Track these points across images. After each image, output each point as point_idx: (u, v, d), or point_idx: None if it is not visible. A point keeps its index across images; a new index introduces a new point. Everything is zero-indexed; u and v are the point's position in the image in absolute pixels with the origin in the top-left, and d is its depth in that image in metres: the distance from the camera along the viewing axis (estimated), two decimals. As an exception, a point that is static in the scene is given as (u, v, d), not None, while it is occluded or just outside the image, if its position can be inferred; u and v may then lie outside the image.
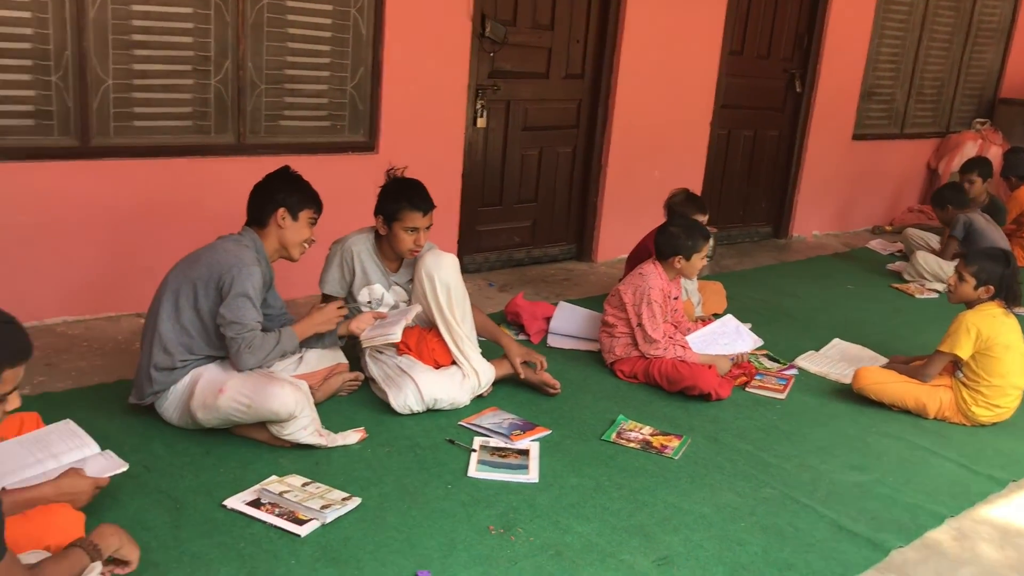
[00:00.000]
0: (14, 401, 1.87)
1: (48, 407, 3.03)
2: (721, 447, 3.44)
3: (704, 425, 3.62)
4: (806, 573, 2.67)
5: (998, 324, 3.82)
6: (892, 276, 6.25)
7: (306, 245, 3.38)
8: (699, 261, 4.13)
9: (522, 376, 3.75)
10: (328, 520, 2.68)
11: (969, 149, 7.81)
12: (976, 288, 3.89)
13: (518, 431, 3.38)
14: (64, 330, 4.07)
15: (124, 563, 2.23)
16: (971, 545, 2.93)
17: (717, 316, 4.65)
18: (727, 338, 4.26)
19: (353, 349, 3.71)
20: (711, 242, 4.27)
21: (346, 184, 4.60)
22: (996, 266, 3.91)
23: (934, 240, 6.51)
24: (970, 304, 3.92)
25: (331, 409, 3.40)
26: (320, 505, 2.73)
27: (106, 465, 2.63)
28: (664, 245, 4.08)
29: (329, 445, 3.15)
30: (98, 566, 2.03)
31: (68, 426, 2.77)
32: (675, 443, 3.41)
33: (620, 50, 5.59)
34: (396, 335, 3.39)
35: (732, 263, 6.32)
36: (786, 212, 7.11)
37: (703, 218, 4.58)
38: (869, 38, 7.04)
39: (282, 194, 3.30)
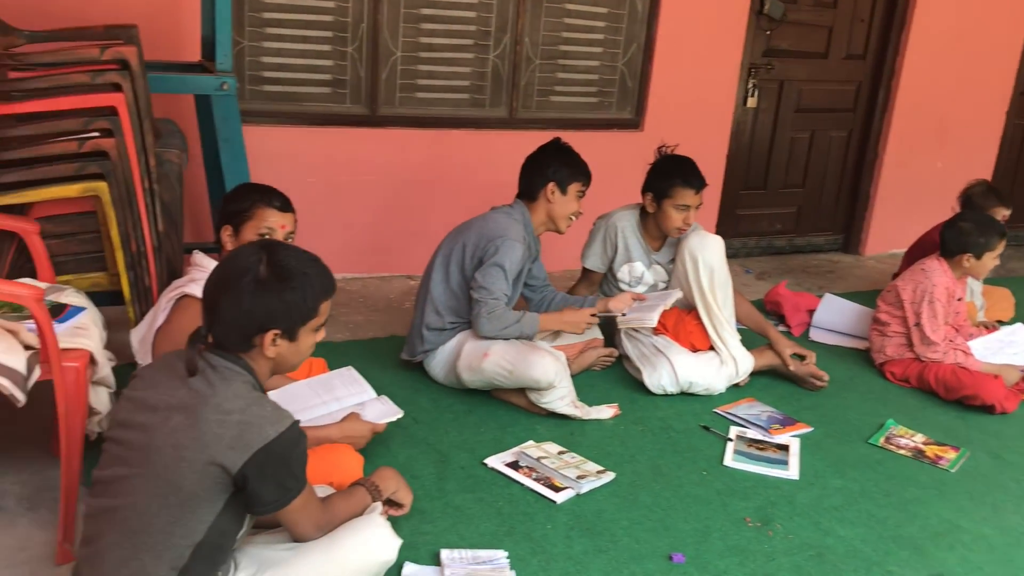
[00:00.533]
0: (321, 334, 2.01)
1: (330, 355, 3.27)
2: (1005, 465, 3.14)
3: (985, 439, 3.32)
4: (1106, 616, 2.39)
5: None
6: None
7: (573, 218, 3.41)
8: (991, 261, 3.77)
9: (791, 368, 3.60)
10: (583, 491, 2.71)
11: None
12: None
13: (777, 425, 3.26)
14: (343, 286, 4.37)
15: (399, 506, 2.37)
16: None
17: (1002, 324, 4.25)
18: (1016, 347, 3.86)
19: (608, 326, 3.71)
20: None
21: (611, 160, 4.60)
22: None
23: None
24: None
25: (585, 384, 3.43)
26: (576, 475, 2.76)
27: (383, 411, 2.80)
28: (952, 241, 3.76)
29: (584, 417, 3.18)
30: (379, 505, 2.15)
31: (350, 373, 2.97)
32: (952, 455, 3.15)
33: (909, 30, 5.21)
34: (653, 320, 3.35)
35: (1019, 265, 5.75)
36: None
37: (1005, 213, 4.18)
38: None
39: (552, 168, 3.35)
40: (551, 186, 3.33)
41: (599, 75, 4.66)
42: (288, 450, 1.79)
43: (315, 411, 2.76)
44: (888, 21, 5.25)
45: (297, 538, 1.95)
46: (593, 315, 3.36)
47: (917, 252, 4.23)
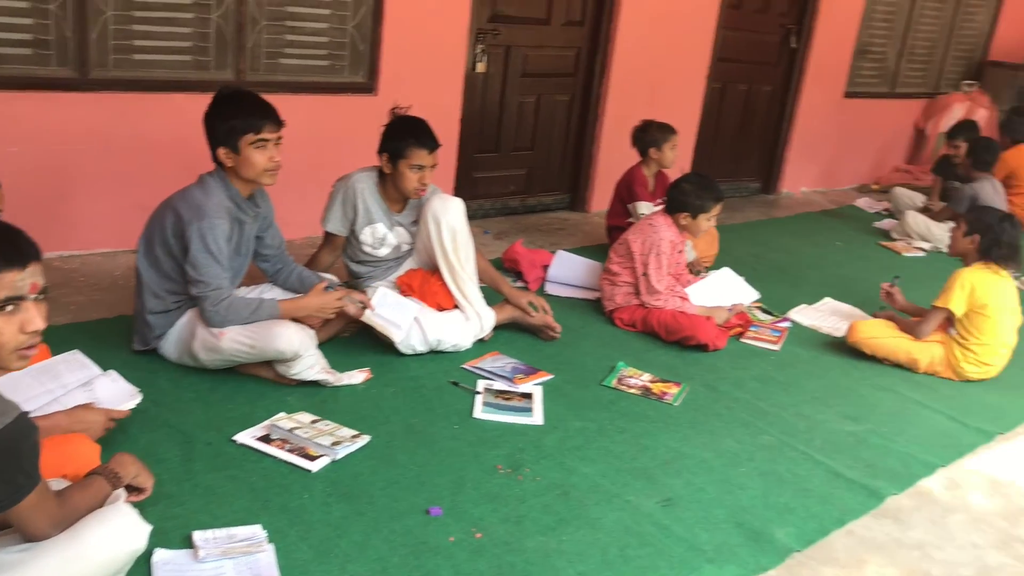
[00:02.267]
0: (32, 317, 1.72)
1: (52, 340, 3.01)
2: (719, 395, 3.50)
3: (702, 374, 3.68)
4: (804, 517, 2.74)
5: (992, 283, 3.88)
6: (879, 234, 6.32)
7: (271, 170, 3.10)
8: (705, 222, 4.14)
9: (530, 316, 3.78)
10: (339, 456, 2.71)
11: (957, 111, 7.85)
12: (965, 236, 3.96)
13: (521, 375, 3.42)
14: (60, 264, 4.03)
15: (140, 490, 2.25)
16: (962, 494, 3.02)
17: (708, 270, 4.71)
18: (725, 290, 4.30)
19: (355, 288, 3.71)
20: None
21: (346, 125, 4.56)
22: (989, 218, 3.97)
23: (920, 200, 6.58)
24: (965, 260, 3.99)
25: (335, 350, 3.40)
26: (330, 442, 2.75)
27: (118, 394, 2.64)
28: (674, 199, 4.09)
29: (335, 383, 3.16)
30: (122, 492, 2.04)
31: (76, 356, 2.76)
32: (674, 390, 3.46)
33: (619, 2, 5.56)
34: (397, 336, 3.39)
35: (723, 217, 6.24)
36: (776, 168, 7.15)
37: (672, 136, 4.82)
38: (865, -5, 7.04)
39: (215, 131, 3.03)
40: (221, 151, 3.03)
41: (329, 38, 4.59)
42: (17, 444, 1.66)
43: (40, 400, 2.55)
44: (602, -10, 5.56)
45: (31, 538, 1.80)
46: (339, 299, 3.27)
47: (622, 188, 4.91)
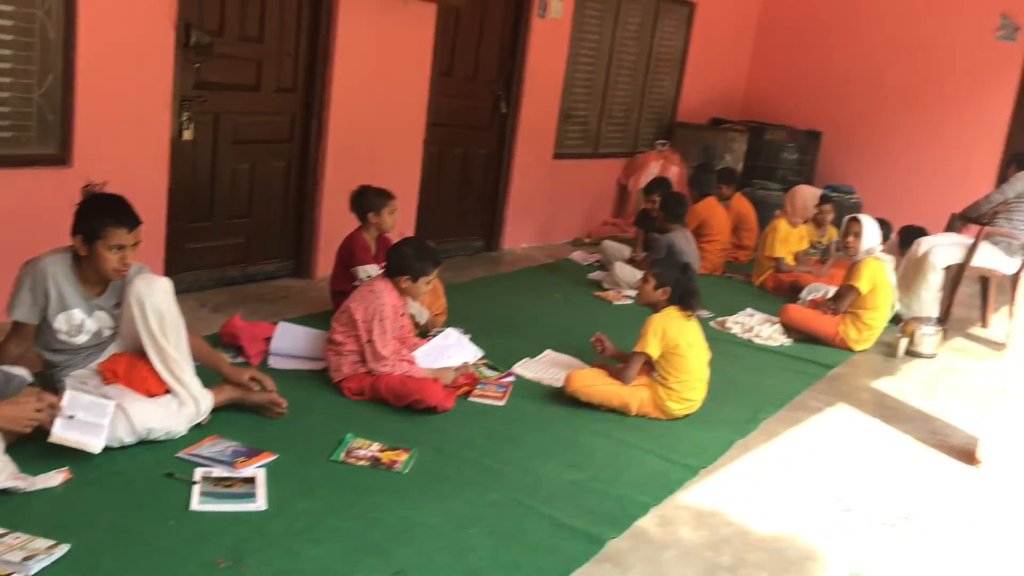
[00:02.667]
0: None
1: None
2: (448, 457, 3.54)
3: (431, 437, 3.70)
4: (532, 571, 2.82)
5: (680, 325, 4.25)
6: (593, 285, 6.73)
7: None
8: (424, 285, 4.19)
9: (253, 394, 3.64)
10: (32, 572, 2.44)
11: (653, 168, 8.60)
12: (656, 289, 4.32)
13: (242, 458, 3.27)
14: None
15: None
16: (673, 530, 3.24)
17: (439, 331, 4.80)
18: (451, 350, 4.38)
19: (51, 379, 3.40)
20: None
21: (36, 201, 4.20)
22: (674, 271, 4.36)
23: (627, 251, 7.10)
24: (655, 308, 4.33)
25: (26, 448, 3.08)
26: (21, 557, 2.47)
27: None
28: (394, 263, 4.12)
29: (28, 489, 2.86)
30: None
31: None
32: (403, 457, 3.45)
33: (333, 65, 5.58)
34: (96, 447, 3.07)
35: (449, 276, 6.47)
36: (496, 226, 7.43)
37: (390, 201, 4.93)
38: (565, 65, 7.55)
39: None
40: None
41: (12, 107, 4.22)
42: None
43: None
44: (313, 56, 5.55)
45: None
46: (39, 410, 2.92)
47: (344, 254, 4.93)
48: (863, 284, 5.63)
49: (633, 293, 6.44)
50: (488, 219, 7.40)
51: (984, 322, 6.88)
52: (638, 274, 6.43)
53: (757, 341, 5.75)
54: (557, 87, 7.56)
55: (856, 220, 5.81)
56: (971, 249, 6.46)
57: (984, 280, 6.80)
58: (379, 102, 5.93)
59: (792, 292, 6.85)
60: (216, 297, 5.26)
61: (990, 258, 6.54)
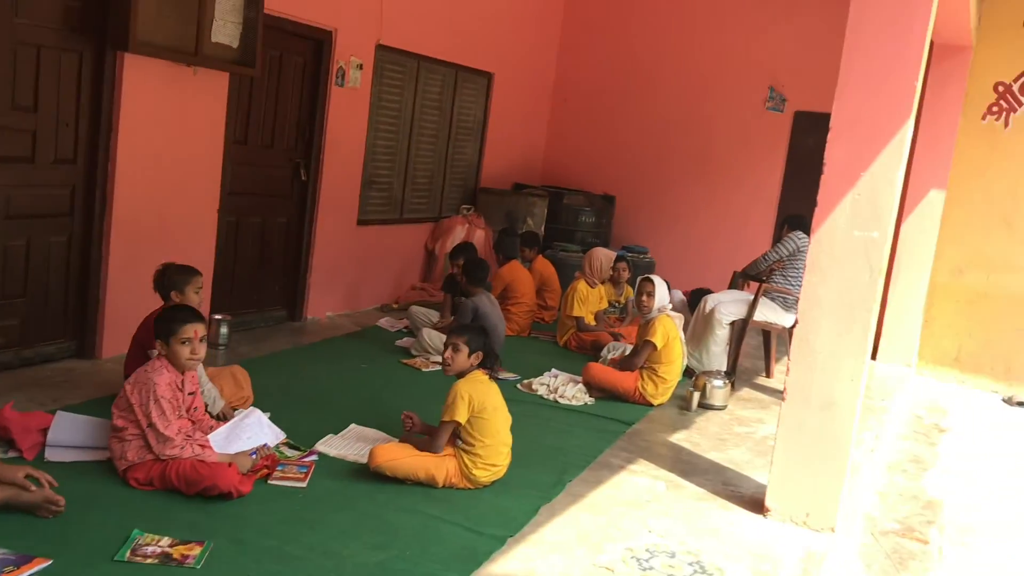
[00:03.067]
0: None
1: None
2: (246, 547, 3.37)
3: (227, 527, 3.52)
4: (336, 664, 2.71)
5: (485, 388, 4.30)
6: (401, 352, 6.68)
7: None
8: (180, 346, 3.91)
9: (28, 492, 3.34)
10: None
11: (459, 232, 8.73)
12: (469, 356, 4.35)
13: (11, 567, 2.98)
14: None
15: None
16: (480, 603, 3.22)
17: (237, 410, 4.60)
18: (249, 431, 4.21)
19: None
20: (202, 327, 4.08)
21: None
22: (481, 336, 4.42)
23: (435, 316, 7.13)
24: (462, 374, 4.36)
25: None
26: None
27: None
28: (157, 328, 3.94)
29: None
30: None
31: None
32: (197, 551, 3.26)
33: (117, 135, 5.33)
34: None
35: (248, 350, 6.28)
36: (299, 295, 7.27)
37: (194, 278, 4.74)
38: (366, 133, 7.57)
39: None
40: None
41: None
42: None
43: None
44: (95, 126, 5.29)
45: None
46: None
47: (142, 333, 4.57)
48: (658, 339, 5.91)
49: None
50: (291, 288, 7.23)
51: (768, 372, 7.37)
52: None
53: (562, 401, 5.89)
54: (359, 154, 7.56)
55: (649, 280, 6.12)
56: (752, 304, 6.94)
57: (766, 333, 7.30)
58: (168, 172, 5.71)
59: (594, 350, 7.10)
60: (-14, 385, 4.83)
61: (769, 312, 7.04)
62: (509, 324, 7.66)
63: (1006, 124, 8.50)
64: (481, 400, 4.25)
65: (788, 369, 4.31)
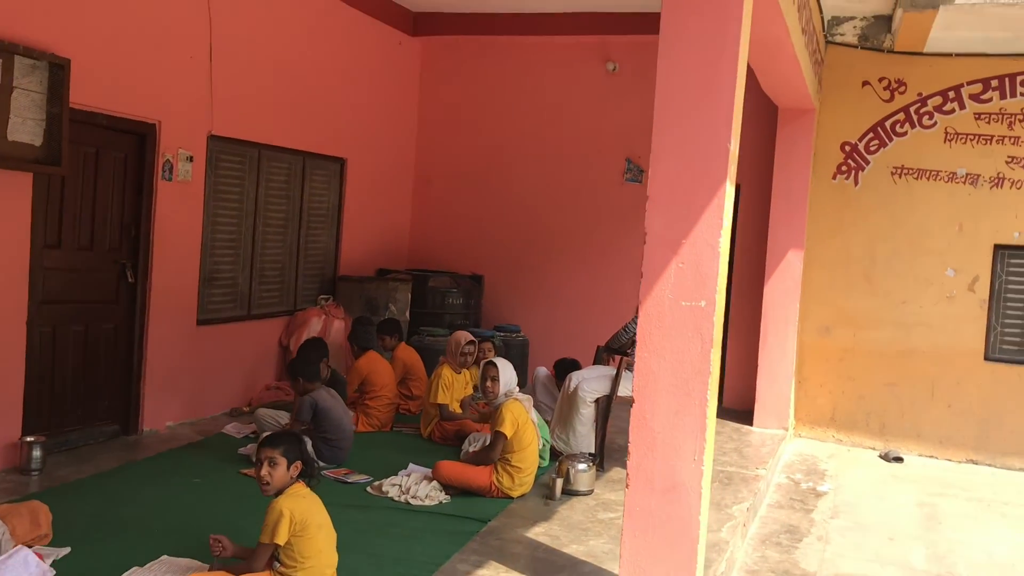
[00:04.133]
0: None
1: None
2: None
3: None
4: None
5: (308, 503, 3.89)
6: (244, 460, 6.16)
7: None
8: None
9: None
10: None
11: (314, 324, 8.30)
12: (288, 468, 3.92)
13: None
14: None
15: None
16: None
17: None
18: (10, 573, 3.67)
19: None
20: None
21: None
22: (297, 445, 4.00)
23: (285, 418, 6.64)
24: (282, 491, 3.92)
25: None
26: None
27: None
28: None
29: None
30: None
31: None
32: None
33: None
34: None
35: (68, 472, 5.67)
36: (133, 406, 6.69)
37: None
38: (201, 227, 7.14)
39: None
40: None
41: None
42: None
43: None
44: None
45: None
46: None
47: None
48: (507, 428, 5.58)
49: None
50: (122, 400, 6.65)
51: (641, 448, 7.11)
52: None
53: (414, 503, 5.47)
54: (194, 251, 7.10)
55: (492, 364, 5.81)
56: (615, 379, 6.70)
57: (634, 407, 7.05)
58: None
59: (458, 440, 6.73)
60: None
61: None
62: (368, 419, 7.25)
63: (855, 182, 8.66)
64: (303, 517, 3.83)
65: (628, 452, 4.03)
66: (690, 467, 3.90)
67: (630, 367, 6.79)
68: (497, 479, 5.60)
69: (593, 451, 6.56)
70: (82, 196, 6.16)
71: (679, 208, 3.90)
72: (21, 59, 5.37)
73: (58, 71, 5.58)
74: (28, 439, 5.60)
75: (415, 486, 5.64)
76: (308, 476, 4.02)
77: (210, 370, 7.37)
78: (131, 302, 6.61)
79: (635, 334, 6.89)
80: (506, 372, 5.77)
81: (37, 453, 5.59)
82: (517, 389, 5.82)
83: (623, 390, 6.74)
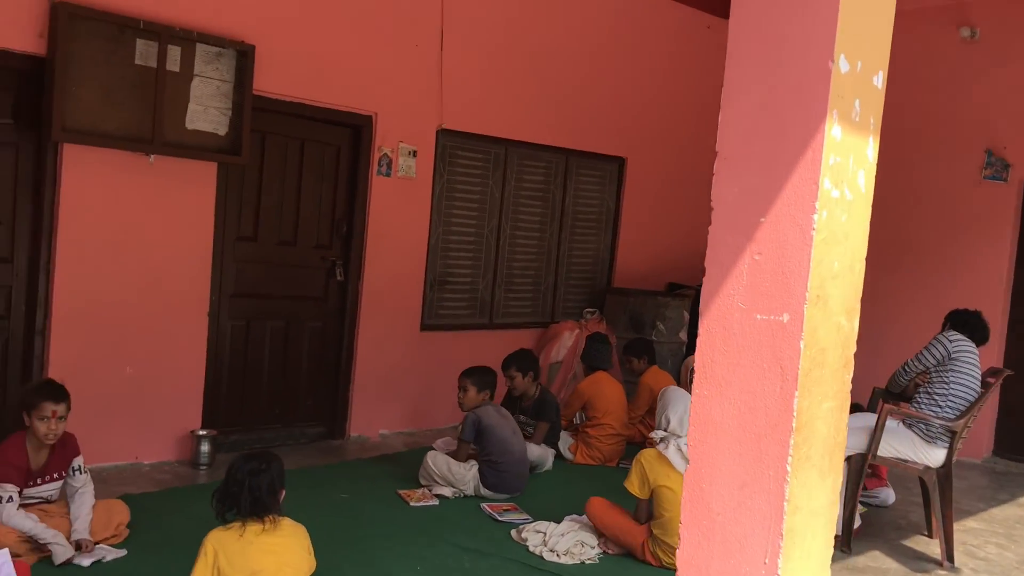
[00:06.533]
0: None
1: None
2: None
3: None
4: None
5: (242, 546, 3.16)
6: (412, 480, 5.55)
7: None
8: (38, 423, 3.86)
9: None
10: None
11: (566, 339, 7.50)
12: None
13: None
14: None
15: None
16: None
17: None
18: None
19: None
20: None
21: None
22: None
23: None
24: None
25: None
26: None
27: None
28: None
29: None
30: None
31: None
32: None
33: (56, 231, 4.96)
34: None
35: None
36: (340, 410, 6.43)
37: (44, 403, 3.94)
38: (428, 227, 6.70)
39: None
40: None
41: None
42: None
43: None
44: (38, 222, 4.97)
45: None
46: None
47: None
48: (635, 488, 4.34)
49: (446, 491, 5.30)
50: (329, 402, 6.42)
51: (930, 531, 5.29)
52: (453, 465, 5.33)
53: (548, 557, 4.43)
54: (420, 251, 6.70)
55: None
56: (874, 433, 4.95)
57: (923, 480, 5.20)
58: (128, 272, 5.22)
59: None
60: None
61: (902, 444, 5.01)
62: (588, 450, 6.28)
63: None
64: (228, 561, 3.13)
65: (681, 538, 2.67)
66: (758, 573, 2.45)
67: (907, 419, 5.01)
68: (652, 547, 4.33)
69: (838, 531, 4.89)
70: (284, 189, 6.04)
71: (757, 168, 2.49)
72: (203, 47, 5.34)
73: (243, 58, 5.47)
74: (200, 432, 5.54)
75: (558, 537, 4.58)
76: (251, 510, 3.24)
77: (436, 379, 6.87)
78: (341, 301, 6.37)
79: (917, 374, 5.11)
80: (677, 405, 4.47)
81: (205, 447, 5.51)
82: (679, 434, 4.43)
83: (887, 449, 4.98)
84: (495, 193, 7.23)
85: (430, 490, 5.31)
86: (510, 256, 7.41)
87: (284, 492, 3.38)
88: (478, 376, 5.58)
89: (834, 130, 2.37)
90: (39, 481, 3.99)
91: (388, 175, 6.41)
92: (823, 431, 2.50)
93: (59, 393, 3.93)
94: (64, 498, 4.11)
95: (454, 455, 5.45)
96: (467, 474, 5.32)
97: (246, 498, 3.21)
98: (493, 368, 5.80)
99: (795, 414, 2.40)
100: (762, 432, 2.46)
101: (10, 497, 3.83)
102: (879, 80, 2.52)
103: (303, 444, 6.25)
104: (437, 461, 5.39)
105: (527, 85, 7.16)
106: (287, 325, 6.16)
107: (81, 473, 4.07)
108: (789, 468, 2.41)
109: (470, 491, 5.31)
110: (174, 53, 5.21)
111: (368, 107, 6.26)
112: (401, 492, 5.28)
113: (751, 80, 2.53)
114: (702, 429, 2.60)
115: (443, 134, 6.74)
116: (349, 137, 6.29)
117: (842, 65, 2.36)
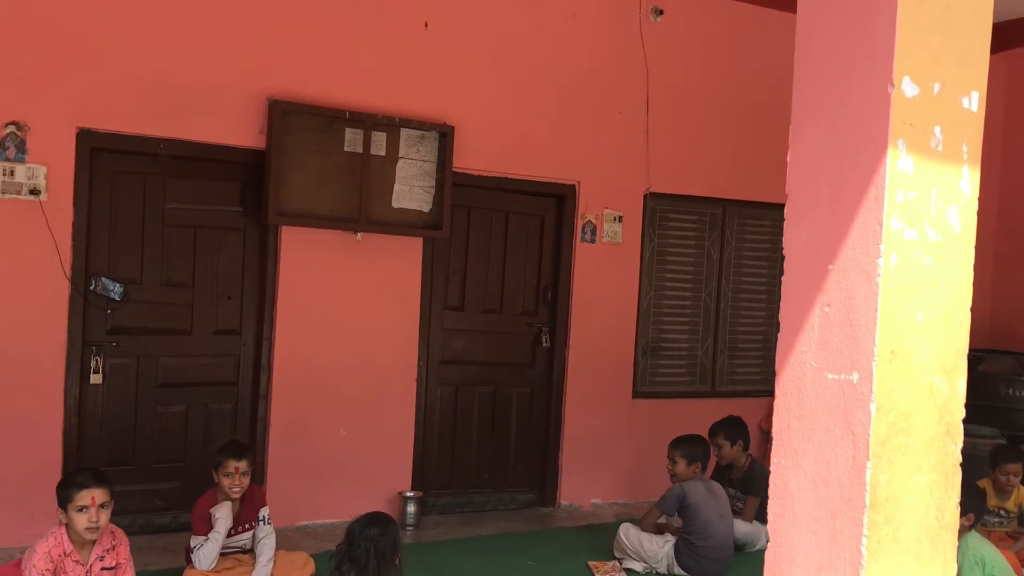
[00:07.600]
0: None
1: None
2: None
3: None
4: None
5: None
6: (603, 552, 5.40)
7: None
8: (76, 514, 3.65)
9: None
10: None
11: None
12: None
13: None
14: None
15: None
16: None
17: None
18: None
19: None
20: None
21: None
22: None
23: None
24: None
25: None
26: None
27: None
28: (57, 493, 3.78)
29: None
30: None
31: None
32: None
33: (275, 304, 5.50)
34: None
35: (437, 533, 5.69)
36: (550, 477, 6.44)
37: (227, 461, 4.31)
38: (637, 292, 6.61)
39: None
40: None
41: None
42: None
43: None
44: (261, 297, 5.53)
45: None
46: None
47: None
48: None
49: (637, 565, 5.12)
50: (539, 468, 6.45)
51: None
52: (644, 539, 5.14)
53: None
54: (630, 317, 6.62)
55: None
56: None
57: None
58: (344, 342, 5.65)
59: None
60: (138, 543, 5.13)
61: None
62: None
63: None
64: None
65: (766, 627, 2.38)
66: (838, 675, 2.12)
67: None
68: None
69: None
70: (489, 259, 6.25)
71: (824, 210, 2.23)
72: (406, 131, 5.73)
73: (443, 139, 5.80)
74: (408, 494, 5.79)
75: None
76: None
77: (651, 448, 6.63)
78: (548, 367, 6.44)
79: None
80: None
81: (411, 508, 5.74)
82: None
83: None
84: (713, 254, 6.99)
85: (620, 563, 5.15)
86: (733, 319, 7.10)
87: (401, 555, 3.42)
88: (688, 447, 5.34)
89: (901, 162, 2.08)
90: (231, 532, 4.36)
91: (592, 242, 6.44)
92: (917, 509, 2.15)
93: (241, 451, 4.30)
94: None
95: (644, 519, 5.26)
96: (659, 551, 5.10)
97: (372, 563, 3.30)
98: (706, 438, 5.54)
99: (868, 488, 2.09)
100: (836, 508, 2.16)
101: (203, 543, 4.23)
102: (972, 102, 2.19)
103: (512, 509, 6.32)
104: (629, 534, 5.22)
105: (742, 143, 6.91)
106: (494, 391, 6.32)
107: (265, 524, 4.40)
108: (864, 551, 2.09)
109: (662, 569, 5.08)
110: (379, 139, 5.64)
111: (570, 176, 6.36)
112: (591, 563, 5.18)
113: (815, 114, 2.30)
114: (780, 503, 2.33)
115: (651, 197, 6.67)
116: (552, 206, 6.42)
117: (907, 89, 2.08)
